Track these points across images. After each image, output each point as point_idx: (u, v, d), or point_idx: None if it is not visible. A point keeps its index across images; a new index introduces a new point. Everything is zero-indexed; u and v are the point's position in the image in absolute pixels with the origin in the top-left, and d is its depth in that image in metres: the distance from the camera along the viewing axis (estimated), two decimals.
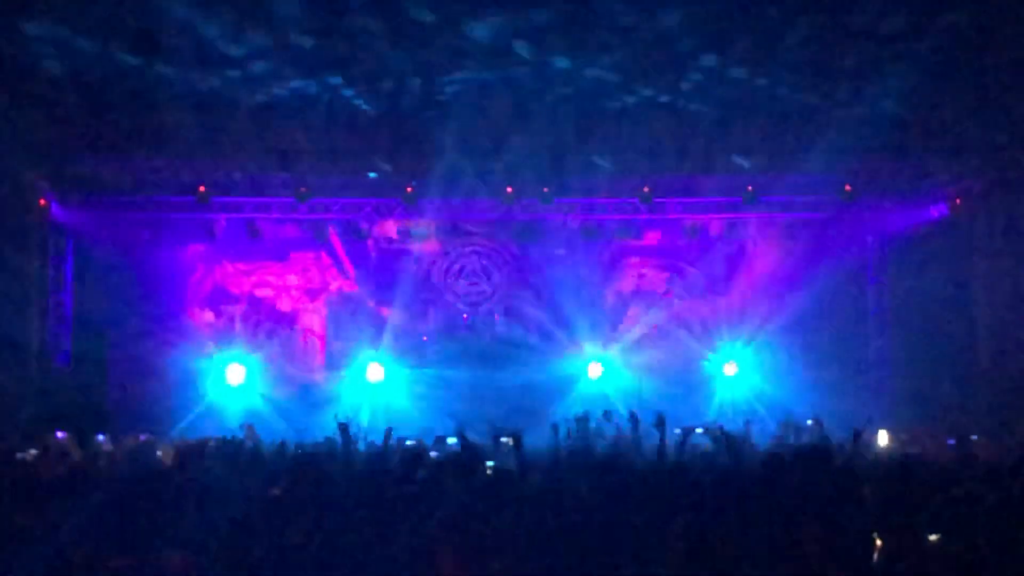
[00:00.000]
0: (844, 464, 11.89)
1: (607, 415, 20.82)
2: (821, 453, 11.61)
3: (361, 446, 14.61)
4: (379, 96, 21.41)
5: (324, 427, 21.19)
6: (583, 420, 19.22)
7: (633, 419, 17.37)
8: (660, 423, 16.81)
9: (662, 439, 16.14)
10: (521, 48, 19.18)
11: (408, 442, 18.04)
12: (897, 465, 11.47)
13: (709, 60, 19.80)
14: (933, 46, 18.80)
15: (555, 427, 18.24)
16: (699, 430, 17.36)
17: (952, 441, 20.19)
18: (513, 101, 21.43)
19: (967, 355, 25.33)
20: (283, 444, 16.65)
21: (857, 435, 15.53)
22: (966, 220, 25.49)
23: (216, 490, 9.72)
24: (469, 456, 12.31)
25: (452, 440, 16.50)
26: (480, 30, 18.47)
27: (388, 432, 14.53)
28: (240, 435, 18.87)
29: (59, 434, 19.36)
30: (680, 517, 8.49)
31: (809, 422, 19.62)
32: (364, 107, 21.88)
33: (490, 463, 13.06)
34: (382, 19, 18.00)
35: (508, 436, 14.31)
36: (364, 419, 24.04)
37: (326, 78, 20.57)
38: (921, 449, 18.46)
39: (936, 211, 25.98)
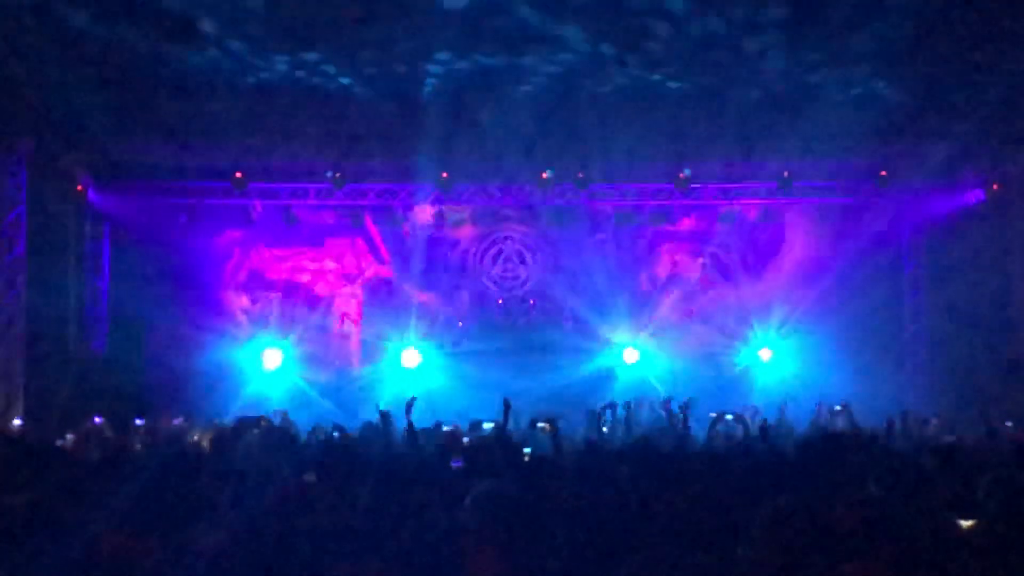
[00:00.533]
0: (877, 449, 11.89)
1: (637, 403, 20.77)
2: (852, 438, 11.62)
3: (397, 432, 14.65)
4: (416, 80, 21.41)
5: (360, 412, 21.32)
6: (625, 407, 19.22)
7: (668, 407, 17.40)
8: (685, 408, 16.86)
9: (686, 424, 16.20)
10: (562, 34, 19.16)
11: (444, 427, 18.12)
12: (931, 451, 11.46)
13: (746, 47, 19.74)
14: (970, 28, 18.72)
15: (595, 414, 18.30)
16: (728, 416, 17.39)
17: (987, 428, 20.18)
18: (550, 87, 21.42)
19: (1003, 341, 25.25)
20: (316, 429, 16.70)
21: (891, 423, 15.55)
22: (1003, 205, 25.38)
23: (251, 474, 9.78)
24: (505, 442, 12.33)
25: (488, 425, 16.49)
26: (521, 15, 18.44)
27: (410, 403, 14.61)
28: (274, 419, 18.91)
29: (96, 419, 19.46)
30: (712, 501, 8.53)
31: (838, 407, 19.56)
32: (402, 91, 21.90)
33: (527, 449, 13.10)
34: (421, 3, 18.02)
35: (545, 422, 14.35)
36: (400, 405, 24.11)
37: (362, 65, 20.59)
38: (956, 436, 18.39)
39: (973, 196, 25.88)
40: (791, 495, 7.53)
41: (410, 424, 13.84)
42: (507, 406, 14.53)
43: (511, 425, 15.02)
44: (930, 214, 27.27)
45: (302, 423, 19.54)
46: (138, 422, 20.07)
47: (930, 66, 20.27)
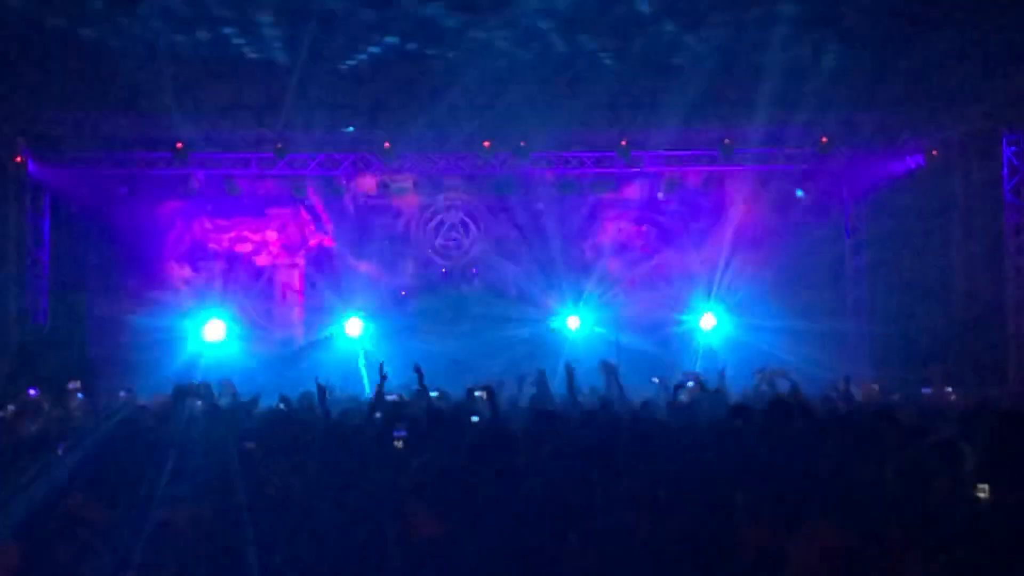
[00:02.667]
0: (819, 414, 12.00)
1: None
2: (789, 404, 11.72)
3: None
4: (357, 50, 21.37)
5: (302, 382, 21.28)
6: (567, 371, 19.27)
7: (609, 370, 17.47)
8: (609, 371, 16.99)
9: (614, 387, 16.30)
10: (503, 6, 19.16)
11: (388, 397, 18.10)
12: (869, 415, 11.57)
13: (688, 15, 19.79)
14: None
15: (542, 375, 18.30)
16: (690, 384, 17.52)
17: (927, 390, 20.38)
18: (491, 56, 21.41)
19: (944, 306, 25.44)
20: (256, 398, 16.69)
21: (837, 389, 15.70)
22: (943, 171, 25.54)
23: (193, 444, 9.76)
24: (438, 409, 12.39)
25: (434, 394, 16.52)
26: None
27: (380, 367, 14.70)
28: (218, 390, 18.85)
29: (31, 391, 19.41)
30: (647, 467, 8.58)
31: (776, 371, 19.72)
32: (343, 61, 21.84)
33: (475, 418, 13.14)
34: None
35: (482, 390, 14.40)
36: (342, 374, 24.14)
37: (303, 32, 20.51)
38: (895, 399, 18.57)
39: (913, 162, 26.04)
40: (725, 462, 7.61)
41: (379, 392, 13.95)
42: (418, 372, 14.61)
43: (451, 393, 15.10)
44: (871, 180, 27.44)
45: (245, 394, 19.50)
46: (71, 386, 19.97)
47: (868, 30, 20.36)
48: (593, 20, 19.98)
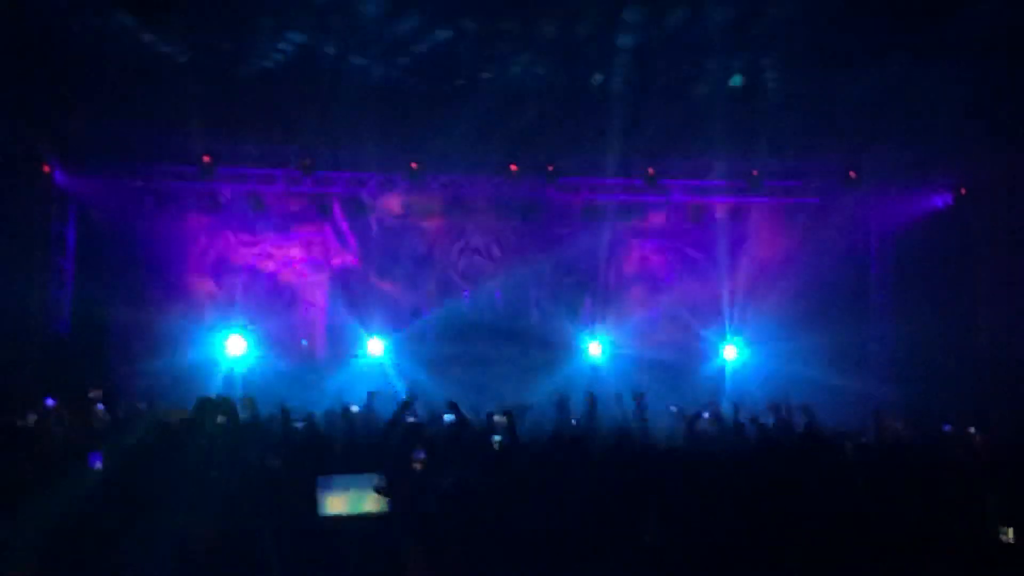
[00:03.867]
0: (837, 450, 11.95)
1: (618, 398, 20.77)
2: (813, 440, 11.68)
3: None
4: (387, 69, 21.38)
5: (323, 400, 21.27)
6: (589, 399, 19.25)
7: (639, 400, 17.48)
8: (639, 400, 16.95)
9: (643, 417, 16.26)
10: (530, 27, 19.17)
11: (409, 419, 18.09)
12: (889, 452, 11.52)
13: (717, 47, 19.77)
14: (939, 33, 18.78)
15: (563, 402, 18.28)
16: (705, 415, 17.49)
17: (948, 428, 20.28)
18: (520, 78, 21.42)
19: (968, 344, 25.34)
20: (284, 414, 16.65)
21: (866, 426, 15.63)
22: (970, 209, 25.47)
23: (216, 460, 9.76)
24: (466, 433, 12.36)
25: (449, 417, 16.49)
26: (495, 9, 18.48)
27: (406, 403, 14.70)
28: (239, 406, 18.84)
29: (48, 401, 19.45)
30: (665, 496, 8.55)
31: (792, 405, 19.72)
32: (371, 80, 21.85)
33: (496, 437, 13.12)
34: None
35: (502, 415, 14.37)
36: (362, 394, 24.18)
37: (334, 50, 20.55)
38: (916, 436, 18.52)
39: (940, 200, 26.01)
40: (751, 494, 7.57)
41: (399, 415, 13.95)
42: (454, 407, 14.53)
43: (470, 417, 15.08)
44: (897, 216, 27.39)
45: (265, 410, 19.49)
46: (91, 395, 20.00)
47: (898, 66, 20.31)
48: (623, 50, 19.98)
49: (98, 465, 10.43)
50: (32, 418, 17.87)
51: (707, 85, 21.73)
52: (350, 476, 11.45)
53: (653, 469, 9.96)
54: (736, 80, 20.63)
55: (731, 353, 27.68)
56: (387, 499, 11.32)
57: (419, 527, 7.88)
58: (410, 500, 8.70)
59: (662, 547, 7.44)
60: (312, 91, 21.99)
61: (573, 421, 18.50)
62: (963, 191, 25.33)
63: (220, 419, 13.05)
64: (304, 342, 28.19)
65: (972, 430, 20.40)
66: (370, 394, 21.11)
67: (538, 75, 21.51)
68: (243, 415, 16.50)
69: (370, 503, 11.28)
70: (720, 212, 28.38)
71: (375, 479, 11.75)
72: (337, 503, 11.19)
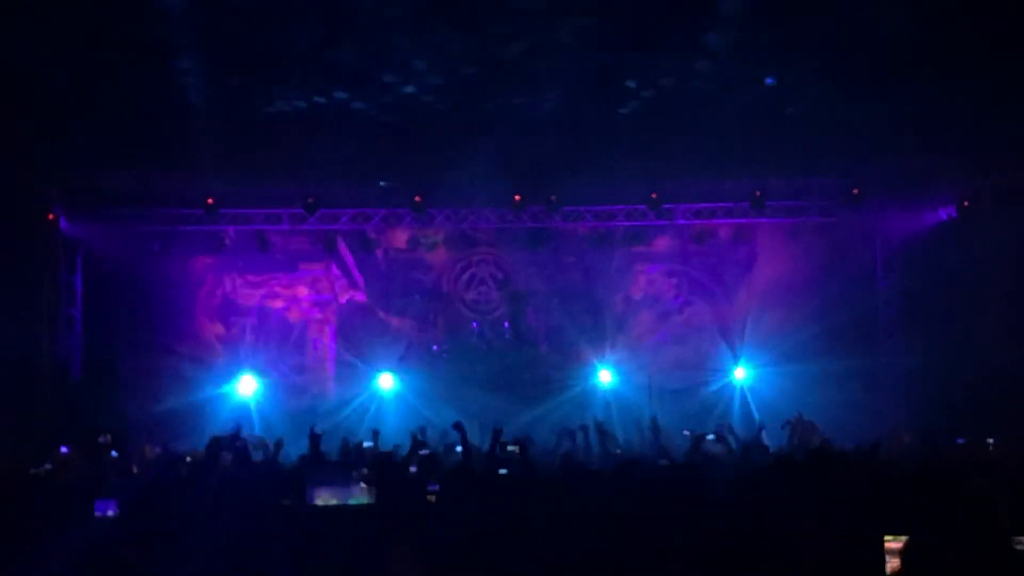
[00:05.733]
0: (852, 468, 11.92)
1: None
2: (826, 457, 11.64)
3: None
4: (387, 105, 21.41)
5: (334, 438, 21.27)
6: (598, 427, 19.25)
7: (653, 425, 17.49)
8: (653, 426, 16.94)
9: (657, 442, 16.24)
10: (532, 56, 19.18)
11: (422, 451, 18.08)
12: (903, 471, 11.49)
13: (718, 65, 19.78)
14: (941, 47, 18.79)
15: (571, 433, 18.31)
16: (710, 436, 17.46)
17: (962, 440, 20.26)
18: (521, 108, 21.44)
19: (978, 357, 25.28)
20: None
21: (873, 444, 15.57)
22: (975, 222, 25.45)
23: (231, 499, 9.77)
24: (474, 464, 12.37)
25: (459, 449, 16.48)
26: (491, 41, 18.49)
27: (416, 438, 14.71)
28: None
29: (63, 449, 19.49)
30: (690, 521, 8.53)
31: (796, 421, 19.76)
32: (372, 116, 21.88)
33: (503, 471, 13.11)
34: (389, 30, 18.01)
35: (514, 444, 14.36)
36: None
37: (333, 89, 20.59)
38: (927, 451, 18.46)
39: (945, 213, 26.00)
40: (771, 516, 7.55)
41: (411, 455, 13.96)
42: (460, 430, 14.41)
43: (483, 447, 15.05)
44: (903, 231, 27.38)
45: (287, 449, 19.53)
46: (101, 440, 20.03)
47: (899, 81, 20.31)
48: (625, 70, 20.00)
49: (110, 512, 10.46)
50: (47, 467, 17.89)
51: (710, 106, 21.73)
52: (338, 468, 11.57)
53: (665, 497, 9.95)
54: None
55: (741, 375, 27.64)
56: (373, 490, 11.38)
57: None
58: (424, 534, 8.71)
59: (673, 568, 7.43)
60: (313, 128, 22.01)
61: (584, 450, 18.48)
62: (967, 203, 25.29)
63: (228, 458, 13.09)
64: (314, 387, 28.25)
65: (990, 441, 20.42)
66: (374, 431, 21.16)
67: (541, 106, 21.51)
68: (256, 455, 16.55)
69: (357, 494, 11.37)
70: (725, 234, 28.41)
71: (363, 471, 11.82)
72: (325, 494, 11.29)
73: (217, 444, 13.53)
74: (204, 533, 8.14)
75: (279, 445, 14.29)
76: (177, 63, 18.90)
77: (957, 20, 17.70)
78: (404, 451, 15.83)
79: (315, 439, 14.32)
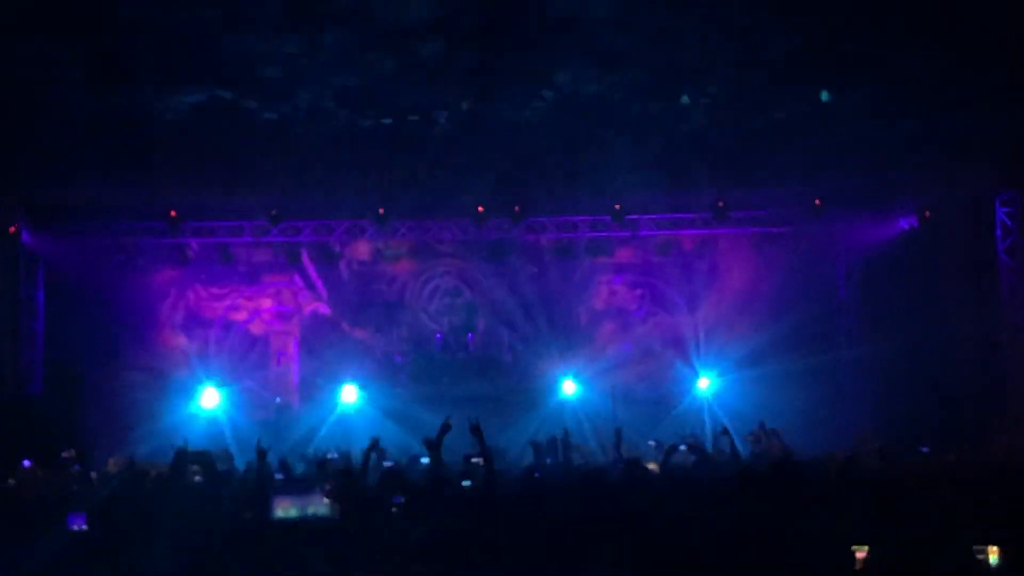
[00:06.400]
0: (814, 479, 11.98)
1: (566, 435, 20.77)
2: (790, 468, 11.69)
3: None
4: (350, 118, 21.41)
5: (297, 449, 21.27)
6: (563, 438, 19.30)
7: (618, 436, 17.52)
8: (617, 438, 16.96)
9: (619, 454, 16.26)
10: (495, 69, 19.21)
11: (386, 463, 18.09)
12: (869, 481, 11.55)
13: (681, 80, 19.87)
14: (901, 61, 18.92)
15: (535, 445, 18.33)
16: (682, 447, 17.51)
17: (926, 449, 20.36)
18: (484, 120, 21.47)
19: (938, 365, 25.39)
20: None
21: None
22: (936, 232, 25.58)
23: (193, 513, 9.75)
24: (442, 477, 12.36)
25: (426, 460, 16.45)
26: (452, 52, 18.53)
27: (374, 443, 14.67)
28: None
29: (25, 463, 19.41)
30: (652, 533, 8.56)
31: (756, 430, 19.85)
32: (335, 129, 21.88)
33: (465, 483, 13.12)
34: (352, 44, 18.03)
35: (478, 457, 14.36)
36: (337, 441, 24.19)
37: (296, 101, 20.58)
38: (890, 459, 18.56)
39: (906, 223, 26.13)
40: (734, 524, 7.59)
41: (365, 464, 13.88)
42: (430, 446, 14.27)
43: (445, 458, 15.03)
44: (864, 241, 27.49)
45: (240, 461, 19.53)
46: (64, 455, 19.99)
47: (861, 94, 20.44)
48: (588, 84, 20.06)
49: (77, 526, 10.42)
50: (11, 482, 17.83)
51: (674, 118, 21.80)
52: (300, 482, 11.58)
53: (628, 503, 9.98)
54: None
55: (705, 384, 27.71)
56: (337, 505, 11.38)
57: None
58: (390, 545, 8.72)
59: None
60: (276, 140, 22.00)
61: (548, 460, 18.52)
62: (928, 214, 25.43)
63: (196, 471, 13.05)
64: (278, 399, 28.12)
65: (951, 454, 20.52)
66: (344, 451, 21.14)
67: (504, 117, 21.55)
68: (221, 467, 16.51)
69: (317, 504, 11.37)
70: (688, 245, 28.47)
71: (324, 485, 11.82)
72: (287, 506, 11.29)
73: (183, 458, 13.48)
74: (171, 547, 8.14)
75: (262, 454, 14.20)
76: (139, 76, 18.89)
77: (918, 34, 17.84)
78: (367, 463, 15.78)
79: (262, 454, 14.26)
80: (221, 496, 11.41)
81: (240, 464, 18.34)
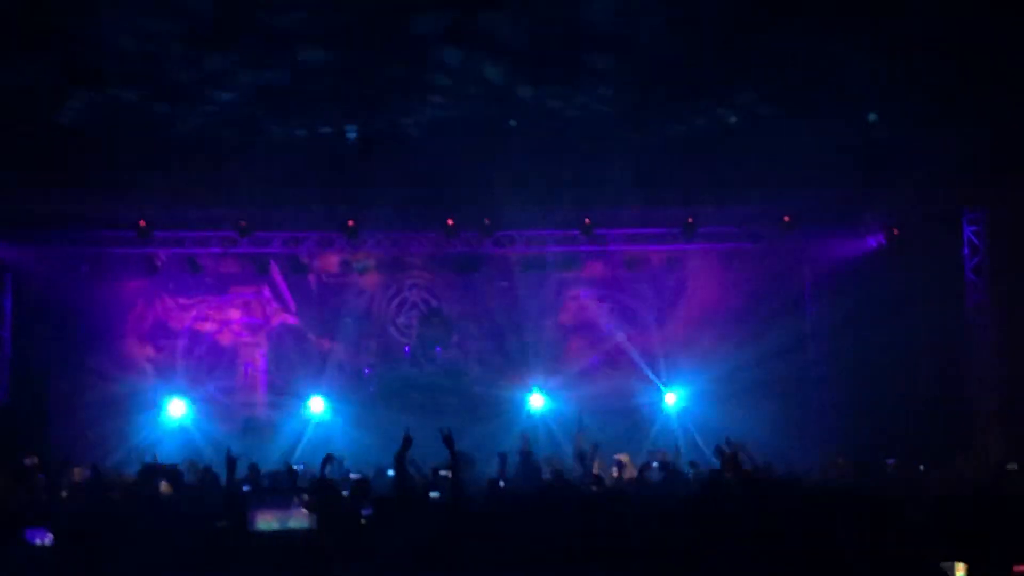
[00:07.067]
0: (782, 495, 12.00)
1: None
2: (759, 482, 11.72)
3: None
4: (321, 129, 21.40)
5: (266, 461, 21.22)
6: (525, 452, 19.32)
7: (581, 452, 17.53)
8: (583, 455, 16.96)
9: (589, 469, 16.28)
10: (464, 81, 19.22)
11: (352, 475, 18.09)
12: (839, 494, 11.58)
13: (649, 93, 19.90)
14: (870, 77, 18.99)
15: (502, 458, 18.34)
16: (654, 464, 17.54)
17: (892, 460, 20.46)
18: (454, 133, 21.47)
19: (907, 382, 25.47)
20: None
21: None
22: (904, 249, 25.67)
23: (162, 526, 9.73)
24: (408, 489, 12.37)
25: (392, 472, 16.44)
26: (423, 65, 18.52)
27: (327, 458, 14.61)
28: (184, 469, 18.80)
29: None
30: (618, 547, 8.58)
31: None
32: (305, 140, 21.86)
33: (434, 494, 13.13)
34: (325, 55, 18.02)
35: (446, 470, 14.34)
36: (306, 453, 24.19)
37: (267, 111, 20.55)
38: (858, 475, 18.66)
39: (874, 240, 26.24)
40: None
41: (323, 477, 13.82)
42: (399, 460, 14.17)
43: (413, 471, 15.01)
44: (832, 258, 27.60)
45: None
46: (27, 462, 19.90)
47: (828, 110, 20.52)
48: (557, 97, 20.08)
49: (39, 540, 10.35)
50: None
51: (643, 134, 21.84)
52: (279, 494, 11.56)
53: (597, 519, 10.00)
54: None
55: (672, 400, 27.74)
56: (314, 515, 11.38)
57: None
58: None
59: None
60: (245, 152, 21.95)
61: (512, 473, 18.56)
62: (896, 231, 25.53)
63: (164, 486, 13.03)
64: (245, 411, 28.05)
65: (921, 468, 20.62)
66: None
67: (474, 129, 21.55)
68: (189, 478, 16.48)
69: (297, 517, 11.36)
70: (657, 260, 28.51)
71: (303, 496, 11.81)
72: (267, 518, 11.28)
73: (151, 473, 13.47)
74: (143, 559, 8.13)
75: (232, 463, 14.16)
76: (108, 84, 18.84)
77: (888, 51, 17.91)
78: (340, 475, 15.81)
79: (231, 463, 14.22)
80: (189, 508, 11.40)
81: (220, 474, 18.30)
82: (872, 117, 20.70)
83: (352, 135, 21.58)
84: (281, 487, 15.76)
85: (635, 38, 17.79)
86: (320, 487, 12.66)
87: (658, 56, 18.46)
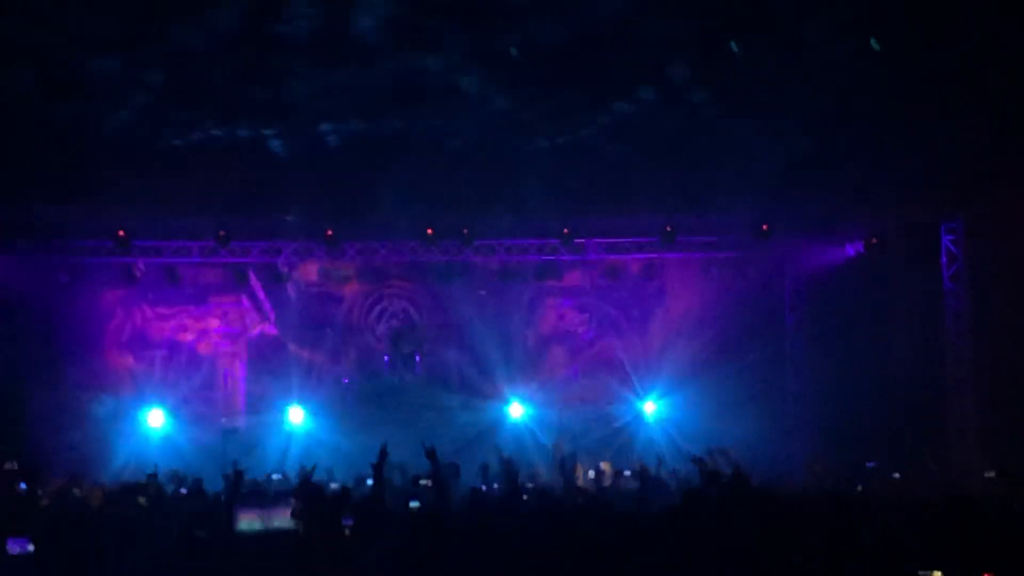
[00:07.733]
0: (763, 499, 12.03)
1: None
2: (739, 490, 11.75)
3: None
4: (298, 139, 21.38)
5: (245, 470, 21.20)
6: (505, 461, 19.31)
7: (561, 461, 17.55)
8: (563, 463, 16.97)
9: (569, 478, 16.31)
10: (439, 91, 19.22)
11: (332, 484, 18.09)
12: (817, 501, 11.61)
13: (625, 103, 19.91)
14: (847, 86, 19.03)
15: (483, 468, 18.37)
16: (627, 473, 17.58)
17: (872, 464, 20.54)
18: (433, 143, 21.46)
19: (884, 389, 25.54)
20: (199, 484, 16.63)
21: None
22: (882, 258, 25.76)
23: (141, 532, 9.72)
24: (383, 499, 12.39)
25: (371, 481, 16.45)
26: (398, 74, 18.51)
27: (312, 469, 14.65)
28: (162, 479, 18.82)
29: None
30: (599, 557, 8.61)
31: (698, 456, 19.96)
32: (283, 150, 21.84)
33: (414, 504, 13.14)
34: (301, 64, 18.01)
35: (427, 479, 14.36)
36: (285, 462, 24.20)
37: (245, 122, 20.52)
38: (835, 483, 18.72)
39: (852, 249, 26.32)
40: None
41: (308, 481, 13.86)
42: (377, 471, 14.16)
43: (396, 480, 15.05)
44: (811, 266, 27.70)
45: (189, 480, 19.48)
46: (7, 466, 19.89)
47: (809, 120, 20.56)
48: (535, 107, 20.08)
49: (19, 548, 10.33)
50: None
51: (622, 143, 21.85)
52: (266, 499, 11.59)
53: (576, 529, 10.02)
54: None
55: (651, 408, 27.78)
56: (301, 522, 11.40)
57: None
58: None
59: None
60: (225, 161, 21.92)
61: (494, 484, 18.57)
62: (874, 240, 25.62)
63: (142, 501, 13.02)
64: (224, 420, 28.01)
65: (896, 475, 20.69)
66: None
67: (453, 138, 21.55)
68: (169, 487, 16.48)
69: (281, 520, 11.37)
70: (636, 268, 28.53)
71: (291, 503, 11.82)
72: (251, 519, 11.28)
73: (131, 491, 13.48)
74: (122, 567, 8.13)
75: (239, 475, 14.15)
76: (89, 95, 18.80)
77: (867, 63, 17.95)
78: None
79: (239, 476, 14.23)
80: (171, 517, 11.39)
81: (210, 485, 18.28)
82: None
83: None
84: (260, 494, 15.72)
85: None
86: (306, 492, 12.66)
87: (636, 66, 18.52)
